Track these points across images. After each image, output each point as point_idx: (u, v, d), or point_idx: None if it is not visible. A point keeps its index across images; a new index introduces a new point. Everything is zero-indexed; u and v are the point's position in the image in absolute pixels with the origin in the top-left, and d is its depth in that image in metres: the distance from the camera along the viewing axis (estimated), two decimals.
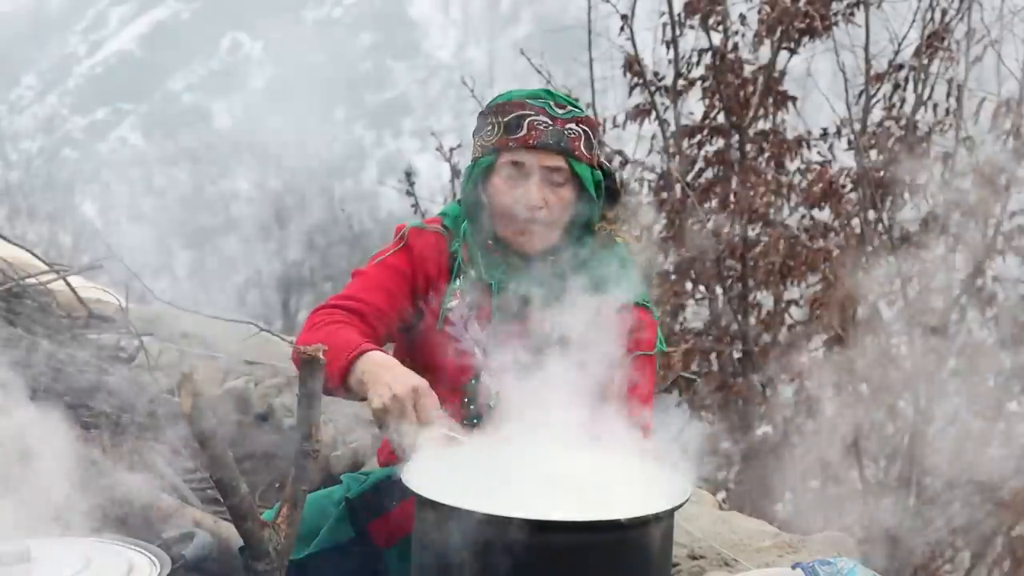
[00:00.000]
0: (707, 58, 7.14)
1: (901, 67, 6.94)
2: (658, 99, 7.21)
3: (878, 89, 6.98)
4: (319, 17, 64.63)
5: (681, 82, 7.23)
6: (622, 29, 7.17)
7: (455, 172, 7.25)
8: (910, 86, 6.94)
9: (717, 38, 7.12)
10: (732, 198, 7.03)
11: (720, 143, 7.24)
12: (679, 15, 7.11)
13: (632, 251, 2.81)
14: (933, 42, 6.83)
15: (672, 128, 7.23)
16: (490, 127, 2.73)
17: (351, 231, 28.71)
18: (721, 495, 6.84)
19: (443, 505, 2.13)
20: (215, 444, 2.09)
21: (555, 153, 2.68)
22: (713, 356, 7.22)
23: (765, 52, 7.07)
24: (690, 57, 7.19)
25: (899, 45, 6.92)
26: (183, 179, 40.26)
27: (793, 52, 7.06)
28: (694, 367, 7.05)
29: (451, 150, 7.17)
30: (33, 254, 5.41)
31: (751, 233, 7.08)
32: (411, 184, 7.70)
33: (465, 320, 2.76)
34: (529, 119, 2.68)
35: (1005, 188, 6.64)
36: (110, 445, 4.02)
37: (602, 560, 2.08)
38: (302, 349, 2.13)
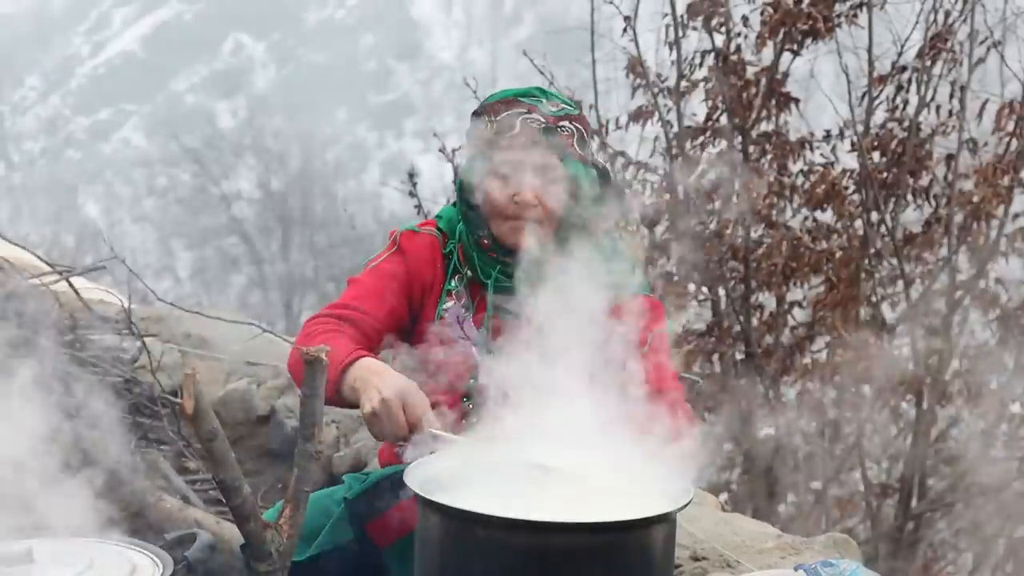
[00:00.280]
0: (710, 60, 7.13)
1: (904, 69, 6.93)
2: (661, 100, 7.21)
3: (881, 91, 6.97)
4: (322, 18, 64.62)
5: (684, 84, 7.23)
6: (625, 30, 7.17)
7: (457, 173, 7.24)
8: (913, 88, 6.93)
9: (720, 40, 7.12)
10: (735, 200, 7.03)
11: (723, 145, 7.24)
12: (682, 17, 7.10)
13: (629, 246, 2.81)
14: (936, 44, 6.82)
15: (675, 129, 7.23)
16: (483, 126, 2.73)
17: (354, 232, 28.72)
18: (723, 496, 6.84)
19: (444, 506, 2.13)
20: (217, 445, 2.09)
21: (548, 151, 2.68)
22: (715, 357, 7.21)
23: (768, 54, 7.06)
24: (693, 59, 7.19)
25: (902, 47, 6.91)
26: (186, 180, 40.25)
27: (796, 54, 7.05)
28: (696, 368, 7.05)
29: (454, 151, 7.16)
30: (36, 255, 5.42)
31: (754, 234, 7.08)
32: (414, 185, 7.70)
33: (461, 321, 2.76)
34: (522, 117, 2.69)
35: (1008, 190, 6.63)
36: (113, 446, 4.02)
37: (604, 561, 2.08)
38: (305, 350, 2.13)
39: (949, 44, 6.84)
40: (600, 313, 2.50)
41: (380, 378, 2.48)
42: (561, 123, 2.70)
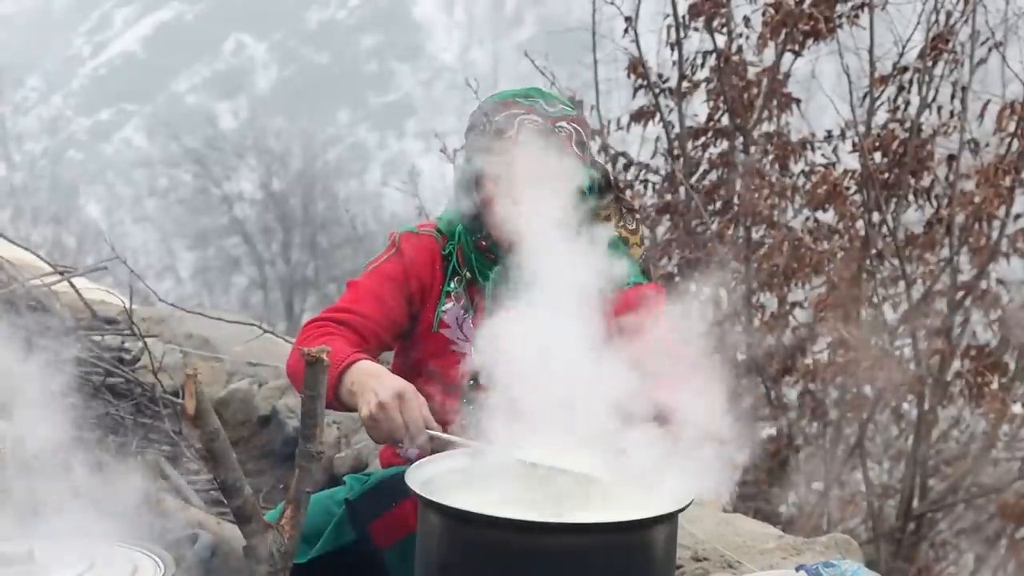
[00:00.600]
0: (711, 60, 7.14)
1: (905, 69, 6.92)
2: (662, 101, 7.21)
3: (882, 91, 6.97)
4: (323, 19, 64.62)
5: (685, 84, 7.23)
6: (626, 31, 7.17)
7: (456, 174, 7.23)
8: (914, 88, 6.92)
9: (721, 40, 7.12)
10: (736, 200, 7.03)
11: (724, 145, 7.24)
12: (683, 17, 7.10)
13: (627, 239, 2.81)
14: (937, 44, 6.82)
15: (676, 130, 7.23)
16: (481, 127, 2.74)
17: (355, 232, 28.72)
18: (725, 497, 6.83)
19: (445, 506, 2.13)
20: (218, 445, 2.09)
21: (546, 152, 2.68)
22: (716, 358, 7.20)
23: (769, 54, 7.06)
24: (694, 59, 7.19)
25: (903, 47, 6.91)
26: (187, 180, 40.22)
27: (797, 54, 7.05)
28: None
29: (455, 152, 7.16)
30: (37, 256, 5.42)
31: (755, 235, 7.08)
32: (415, 186, 7.70)
33: (460, 322, 2.77)
34: (519, 118, 2.69)
35: (1009, 190, 6.62)
36: (114, 446, 4.03)
37: (605, 562, 2.08)
38: (306, 351, 2.13)
39: (950, 45, 6.83)
40: (600, 307, 2.50)
41: (377, 380, 2.48)
42: (559, 124, 2.70)
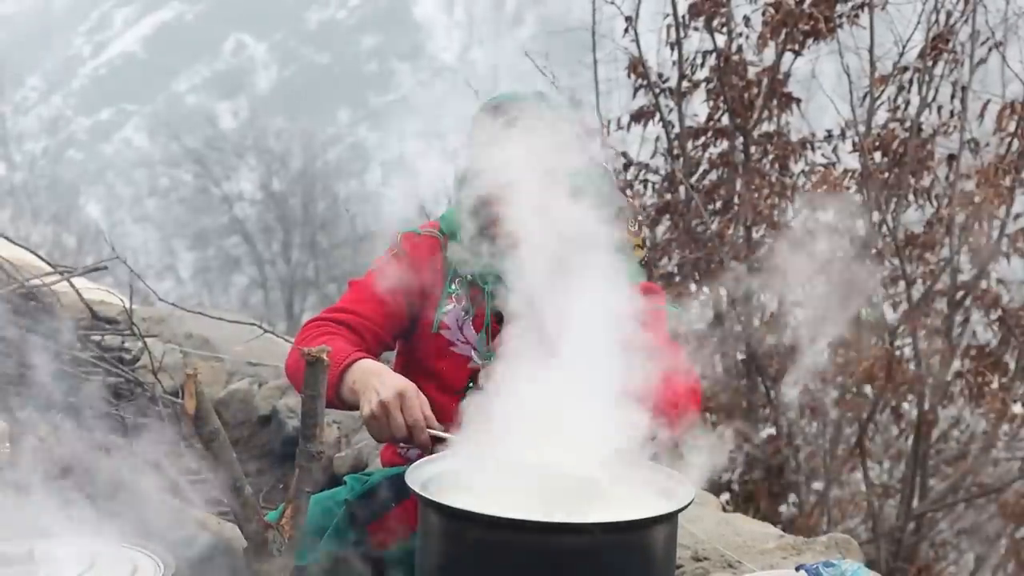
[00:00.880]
0: (711, 60, 7.13)
1: (905, 69, 6.92)
2: (662, 101, 7.21)
3: (882, 91, 6.97)
4: (323, 19, 64.64)
5: (685, 84, 7.22)
6: (626, 31, 7.16)
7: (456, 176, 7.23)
8: (914, 88, 6.92)
9: (721, 40, 7.11)
10: (736, 200, 7.03)
11: (724, 145, 7.24)
12: (683, 17, 7.10)
13: (625, 238, 2.81)
14: (937, 44, 6.82)
15: (676, 130, 7.23)
16: (480, 130, 2.74)
17: (355, 233, 28.72)
18: (725, 497, 6.84)
19: (445, 506, 2.13)
20: (219, 445, 2.09)
21: (547, 155, 2.68)
22: (716, 358, 7.21)
23: (769, 54, 7.06)
24: (694, 59, 7.19)
25: (903, 47, 6.91)
26: (187, 180, 40.22)
27: (797, 54, 7.05)
28: (696, 369, 7.03)
29: (455, 152, 7.15)
30: (37, 255, 5.42)
31: (755, 235, 7.08)
32: (415, 186, 7.69)
33: (461, 323, 2.77)
34: (520, 121, 2.69)
35: (1009, 190, 6.62)
36: (114, 446, 4.02)
37: (605, 562, 2.08)
38: (306, 350, 2.13)
39: (950, 44, 6.83)
40: (598, 308, 2.50)
41: (379, 379, 2.48)
42: (559, 127, 2.71)
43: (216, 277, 38.71)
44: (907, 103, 6.96)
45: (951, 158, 6.82)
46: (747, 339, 7.00)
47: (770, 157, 7.13)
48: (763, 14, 6.97)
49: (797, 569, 2.44)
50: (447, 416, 2.57)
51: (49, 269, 5.26)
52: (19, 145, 49.27)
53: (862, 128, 6.87)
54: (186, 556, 2.79)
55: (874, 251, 6.82)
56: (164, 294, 5.48)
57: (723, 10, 7.05)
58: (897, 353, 6.82)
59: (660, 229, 7.19)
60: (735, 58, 7.07)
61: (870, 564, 2.86)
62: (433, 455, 2.42)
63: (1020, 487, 6.79)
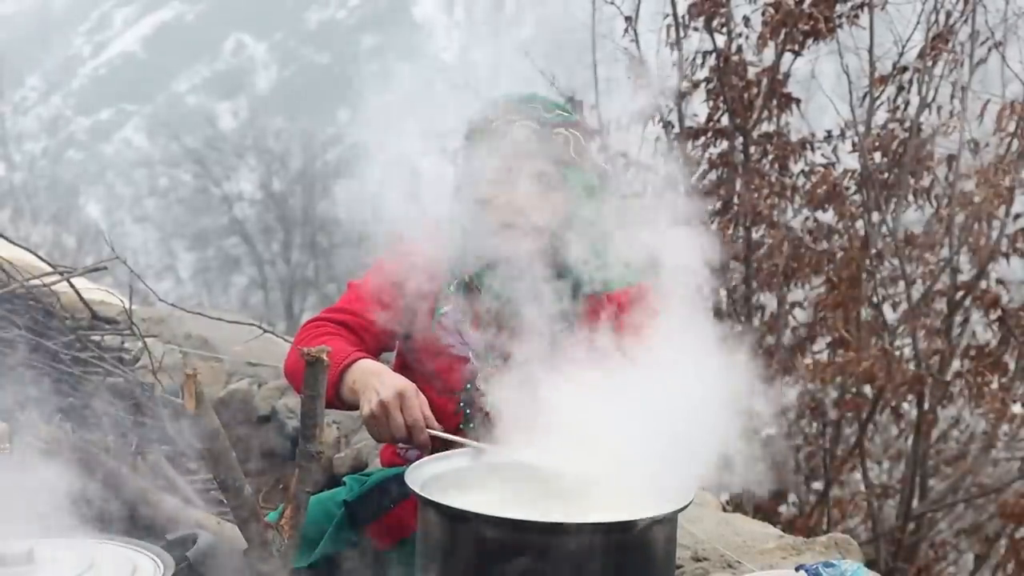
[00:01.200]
0: (711, 60, 7.13)
1: (905, 69, 6.92)
2: (662, 101, 7.20)
3: (882, 91, 6.96)
4: (323, 19, 64.63)
5: (685, 84, 7.22)
6: (626, 31, 7.16)
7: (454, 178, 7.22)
8: (914, 88, 6.92)
9: (721, 40, 7.11)
10: (736, 200, 7.03)
11: (724, 145, 7.23)
12: (683, 17, 7.10)
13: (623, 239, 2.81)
14: (937, 44, 6.82)
15: (676, 130, 7.23)
16: (479, 132, 2.74)
17: (355, 232, 28.68)
18: (724, 497, 6.83)
19: (445, 506, 2.13)
20: (219, 445, 2.09)
21: (543, 158, 2.68)
22: None
23: (769, 54, 7.06)
24: (694, 59, 7.19)
25: (903, 47, 6.91)
26: (187, 180, 40.22)
27: (797, 54, 7.05)
28: None
29: (455, 152, 7.15)
30: (37, 255, 5.41)
31: (755, 235, 7.08)
32: (414, 186, 7.68)
33: (459, 325, 2.77)
34: (517, 124, 2.69)
35: (1009, 190, 6.62)
36: (113, 446, 4.02)
37: (605, 562, 2.08)
38: (306, 350, 2.13)
39: (950, 44, 6.83)
40: (594, 309, 2.50)
41: (378, 379, 2.48)
42: (556, 130, 2.70)
43: (216, 277, 38.70)
44: (907, 103, 6.95)
45: (951, 158, 6.81)
46: (747, 339, 7.00)
47: (770, 157, 7.13)
48: (763, 14, 6.96)
49: (797, 569, 2.44)
50: (446, 417, 2.57)
51: (49, 269, 5.24)
52: (19, 145, 49.27)
53: (862, 128, 6.87)
54: (186, 556, 2.79)
55: (874, 251, 6.83)
56: (164, 294, 5.46)
57: (723, 10, 7.05)
58: (897, 353, 6.82)
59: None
60: (735, 58, 7.07)
61: (870, 564, 2.86)
62: (433, 455, 2.43)
63: (1020, 487, 6.79)
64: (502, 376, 2.44)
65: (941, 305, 6.96)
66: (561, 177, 2.69)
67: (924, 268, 6.97)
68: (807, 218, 7.14)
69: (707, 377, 2.27)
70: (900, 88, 6.95)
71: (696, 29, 7.15)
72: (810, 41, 6.95)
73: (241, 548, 2.23)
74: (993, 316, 6.82)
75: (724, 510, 3.65)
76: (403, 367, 2.82)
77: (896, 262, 6.85)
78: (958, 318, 6.93)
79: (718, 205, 7.17)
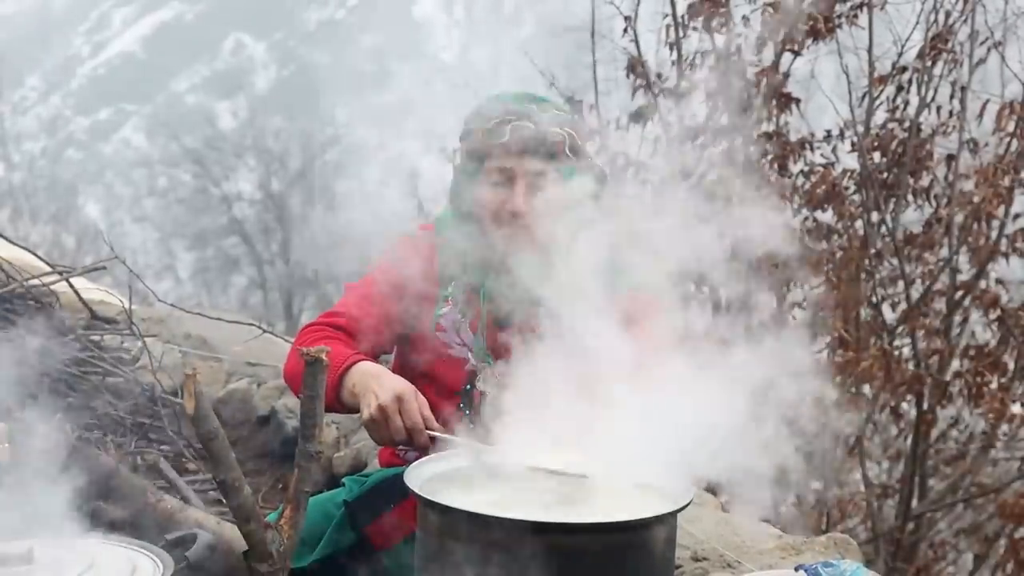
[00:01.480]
0: (711, 60, 7.13)
1: (904, 69, 6.92)
2: (662, 101, 7.20)
3: (881, 91, 6.97)
4: (322, 18, 64.65)
5: (684, 84, 7.22)
6: (625, 31, 7.16)
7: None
8: (913, 88, 6.92)
9: (721, 40, 7.11)
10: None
11: (724, 145, 7.23)
12: (682, 17, 7.10)
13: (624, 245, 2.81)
14: (936, 44, 6.82)
15: (675, 130, 7.22)
16: (475, 132, 2.74)
17: (354, 233, 28.68)
18: (724, 497, 6.83)
19: (445, 506, 2.13)
20: (218, 445, 2.09)
21: (539, 157, 2.68)
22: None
23: (768, 54, 7.06)
24: (693, 59, 7.19)
25: (902, 47, 6.91)
26: (186, 180, 40.22)
27: (796, 54, 7.05)
28: None
29: (454, 152, 7.15)
30: (36, 255, 5.42)
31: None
32: (414, 186, 7.70)
33: (457, 326, 2.77)
34: (512, 124, 2.69)
35: (1008, 190, 6.62)
36: (113, 446, 4.03)
37: (604, 562, 2.08)
38: (305, 351, 2.13)
39: (950, 44, 6.83)
40: (595, 312, 2.50)
41: (377, 382, 2.48)
42: (552, 129, 2.70)
43: (215, 277, 38.69)
44: (906, 103, 6.96)
45: (950, 158, 6.82)
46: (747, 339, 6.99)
47: (769, 157, 7.13)
48: (762, 14, 6.96)
49: (796, 569, 2.44)
50: (445, 417, 2.57)
51: (48, 269, 5.25)
52: (18, 145, 49.27)
53: (861, 128, 6.87)
54: (185, 556, 2.79)
55: (873, 251, 6.83)
56: (163, 294, 5.47)
57: (722, 10, 7.05)
58: (896, 353, 6.82)
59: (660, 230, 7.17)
60: (735, 58, 7.07)
61: (869, 564, 2.86)
62: (432, 455, 2.43)
63: (1019, 487, 6.79)
64: (501, 377, 2.44)
65: (940, 305, 6.96)
66: (558, 176, 2.69)
67: (923, 268, 6.97)
68: (806, 218, 7.13)
69: (707, 377, 2.27)
70: (899, 88, 6.95)
71: (696, 29, 7.15)
72: (810, 41, 6.95)
73: (241, 548, 2.23)
74: (992, 316, 6.82)
75: (724, 510, 3.65)
76: (401, 369, 2.82)
77: (895, 262, 6.85)
78: (957, 318, 6.93)
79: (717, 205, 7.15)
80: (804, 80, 7.31)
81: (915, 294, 6.86)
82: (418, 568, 2.25)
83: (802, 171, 7.10)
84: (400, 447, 2.78)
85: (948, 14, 6.86)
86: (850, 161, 7.01)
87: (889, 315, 7.01)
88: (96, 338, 5.03)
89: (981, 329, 7.02)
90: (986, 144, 6.78)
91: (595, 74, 7.34)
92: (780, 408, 2.32)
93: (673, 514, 2.18)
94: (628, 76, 7.20)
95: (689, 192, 6.84)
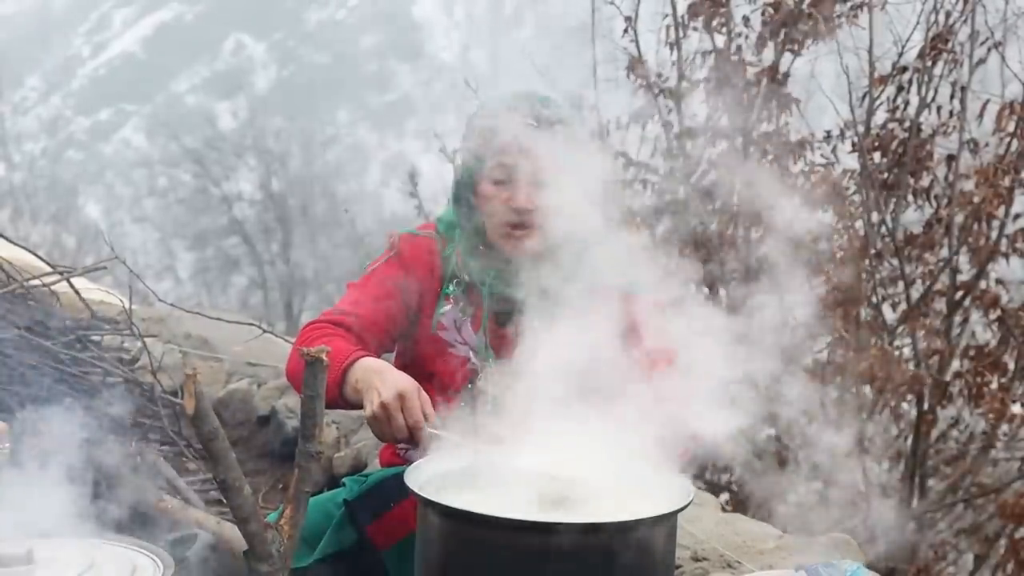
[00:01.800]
0: (711, 60, 7.13)
1: (905, 69, 6.92)
2: (662, 101, 7.21)
3: (881, 91, 6.96)
4: (322, 18, 64.67)
5: (684, 84, 7.22)
6: (625, 31, 7.17)
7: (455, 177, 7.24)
8: (914, 88, 6.92)
9: (721, 40, 7.12)
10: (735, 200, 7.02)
11: (724, 145, 7.23)
12: (682, 17, 7.10)
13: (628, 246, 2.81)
14: (937, 44, 6.82)
15: (675, 130, 7.23)
16: (480, 130, 2.74)
17: (354, 233, 28.74)
18: (724, 497, 6.83)
19: (445, 506, 2.13)
20: (218, 445, 2.09)
21: (545, 156, 2.68)
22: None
23: (769, 54, 7.06)
24: (693, 59, 7.19)
25: (903, 47, 6.91)
26: (186, 180, 40.26)
27: (797, 54, 7.05)
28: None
29: (454, 151, 7.15)
30: (37, 255, 5.42)
31: (755, 235, 7.07)
32: (414, 185, 7.71)
33: (459, 325, 2.77)
34: (518, 122, 2.69)
35: (1008, 190, 6.62)
36: (113, 446, 4.02)
37: (604, 562, 2.08)
38: (305, 350, 2.13)
39: (950, 45, 6.83)
40: (594, 316, 2.50)
41: (380, 378, 2.48)
42: (555, 127, 2.70)
43: (215, 277, 38.70)
44: (906, 103, 6.95)
45: (950, 158, 6.81)
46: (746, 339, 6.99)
47: (769, 157, 7.13)
48: (762, 14, 6.96)
49: (797, 569, 2.44)
50: (446, 416, 2.57)
51: (48, 269, 5.25)
52: (18, 145, 49.30)
53: (861, 128, 6.87)
54: (186, 556, 2.79)
55: (874, 251, 6.82)
56: (163, 294, 5.46)
57: (722, 10, 7.05)
58: (896, 353, 6.82)
59: (660, 229, 7.19)
60: (734, 58, 7.07)
61: (870, 564, 2.86)
62: (433, 455, 2.42)
63: (1019, 487, 6.79)
64: (502, 376, 2.44)
65: (941, 305, 6.96)
66: (559, 174, 2.69)
67: (924, 268, 6.97)
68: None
69: (706, 378, 2.27)
70: (900, 88, 6.95)
71: (696, 29, 7.16)
72: (810, 41, 6.95)
73: (241, 548, 2.23)
74: (993, 316, 6.82)
75: (724, 510, 3.65)
76: (402, 367, 2.82)
77: (896, 262, 6.84)
78: (958, 318, 6.93)
79: (718, 205, 7.17)
80: (804, 80, 7.31)
81: (915, 294, 6.86)
82: (418, 568, 2.25)
83: (802, 171, 7.10)
84: (401, 445, 2.78)
85: (948, 14, 6.85)
86: (850, 161, 7.01)
87: (889, 315, 7.01)
88: (96, 338, 5.03)
89: (981, 329, 7.02)
90: (986, 144, 6.77)
91: (595, 74, 7.34)
92: (779, 408, 2.32)
93: (673, 514, 2.18)
94: (628, 76, 7.21)
95: (689, 192, 6.84)
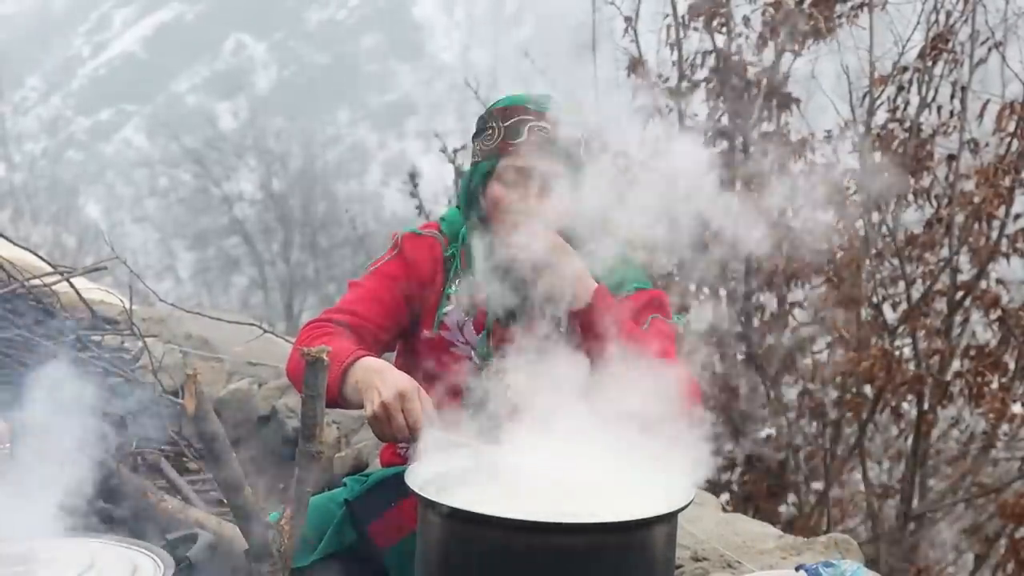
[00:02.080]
0: (711, 60, 7.13)
1: (905, 69, 6.92)
2: (662, 101, 7.20)
3: (882, 91, 6.96)
4: (323, 19, 64.68)
5: (685, 84, 7.22)
6: (626, 31, 7.17)
7: (459, 174, 7.24)
8: (914, 88, 6.92)
9: (721, 40, 7.12)
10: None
11: (724, 145, 7.23)
12: (683, 17, 7.10)
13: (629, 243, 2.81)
14: (937, 44, 6.81)
15: (676, 130, 7.22)
16: (490, 131, 2.74)
17: (355, 233, 28.75)
18: (724, 497, 6.83)
19: (445, 506, 2.13)
20: (218, 445, 2.09)
21: (555, 158, 2.68)
22: (716, 358, 7.20)
23: (769, 54, 7.06)
24: (694, 59, 7.19)
25: (903, 47, 6.90)
26: (187, 180, 40.28)
27: (797, 54, 7.05)
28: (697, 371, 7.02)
29: (455, 151, 7.16)
30: (37, 255, 5.41)
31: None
32: (415, 186, 7.71)
33: (461, 325, 2.77)
34: (529, 124, 2.69)
35: (1009, 190, 6.62)
36: (114, 447, 4.02)
37: (605, 561, 2.08)
38: (306, 350, 2.13)
39: (950, 44, 6.83)
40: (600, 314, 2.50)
41: (380, 378, 2.48)
42: (563, 129, 2.71)
43: (216, 277, 38.71)
44: (906, 103, 6.95)
45: (951, 158, 6.81)
46: (747, 339, 7.00)
47: (770, 157, 7.12)
48: (763, 14, 6.96)
49: (797, 569, 2.44)
50: (447, 416, 2.57)
51: (49, 269, 5.25)
52: (19, 145, 49.29)
53: (861, 128, 6.86)
54: (186, 556, 2.79)
55: (874, 251, 6.82)
56: (164, 294, 5.47)
57: (723, 10, 7.05)
58: (897, 353, 6.82)
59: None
60: (735, 58, 7.07)
61: (870, 564, 2.86)
62: (433, 455, 2.42)
63: (1020, 487, 6.79)
64: (504, 376, 2.44)
65: (941, 305, 6.96)
66: (563, 176, 2.69)
67: (924, 268, 6.97)
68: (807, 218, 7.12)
69: (706, 379, 2.27)
70: (900, 88, 6.95)
71: (696, 29, 7.16)
72: (810, 41, 6.95)
73: (242, 548, 2.23)
74: (993, 316, 6.82)
75: (724, 510, 3.65)
76: (404, 367, 2.82)
77: (896, 262, 6.84)
78: (958, 318, 6.93)
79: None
80: (804, 80, 7.31)
81: (916, 294, 6.86)
82: (418, 568, 2.25)
83: (802, 171, 7.10)
84: (400, 445, 2.78)
85: (948, 14, 6.85)
86: (851, 161, 7.01)
87: (890, 315, 7.00)
88: (96, 338, 5.03)
89: (982, 329, 7.01)
90: (986, 144, 6.77)
91: (595, 74, 7.34)
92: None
93: (673, 514, 2.18)
94: (628, 76, 7.21)
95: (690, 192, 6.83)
